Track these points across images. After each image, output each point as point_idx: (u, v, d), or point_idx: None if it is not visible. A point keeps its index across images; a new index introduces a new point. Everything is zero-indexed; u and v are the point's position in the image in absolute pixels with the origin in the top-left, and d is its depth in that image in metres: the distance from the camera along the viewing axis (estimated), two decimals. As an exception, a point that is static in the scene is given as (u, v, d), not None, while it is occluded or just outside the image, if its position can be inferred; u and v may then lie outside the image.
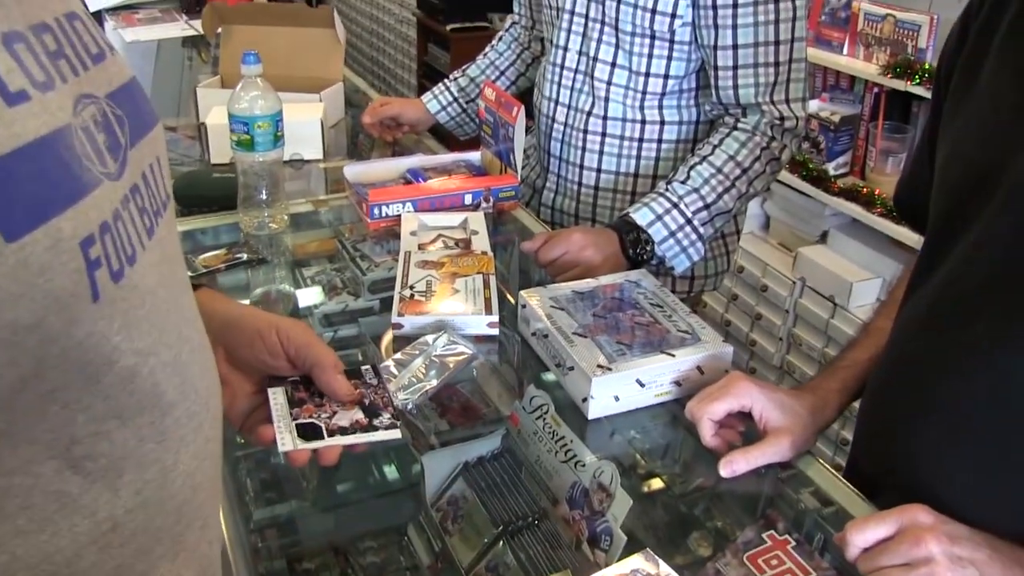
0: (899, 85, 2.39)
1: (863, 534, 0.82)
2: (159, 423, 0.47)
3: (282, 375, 0.85)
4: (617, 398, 1.07)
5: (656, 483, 1.06)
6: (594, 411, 1.06)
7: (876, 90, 2.55)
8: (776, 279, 2.73)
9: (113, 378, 0.43)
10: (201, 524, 0.54)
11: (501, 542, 0.90)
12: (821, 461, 1.02)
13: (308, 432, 0.81)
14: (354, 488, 1.09)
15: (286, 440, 0.80)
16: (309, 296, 1.38)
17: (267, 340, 0.81)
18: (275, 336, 0.81)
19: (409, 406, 1.02)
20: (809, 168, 2.65)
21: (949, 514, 0.82)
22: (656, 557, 0.80)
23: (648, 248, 1.44)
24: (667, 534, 0.96)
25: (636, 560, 0.80)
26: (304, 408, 0.84)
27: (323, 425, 0.82)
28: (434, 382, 1.06)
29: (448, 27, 4.16)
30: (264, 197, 1.47)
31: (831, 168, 2.64)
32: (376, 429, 0.84)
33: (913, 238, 2.34)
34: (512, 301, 1.31)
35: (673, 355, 1.09)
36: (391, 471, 1.10)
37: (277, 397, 0.83)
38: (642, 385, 1.07)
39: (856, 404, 1.08)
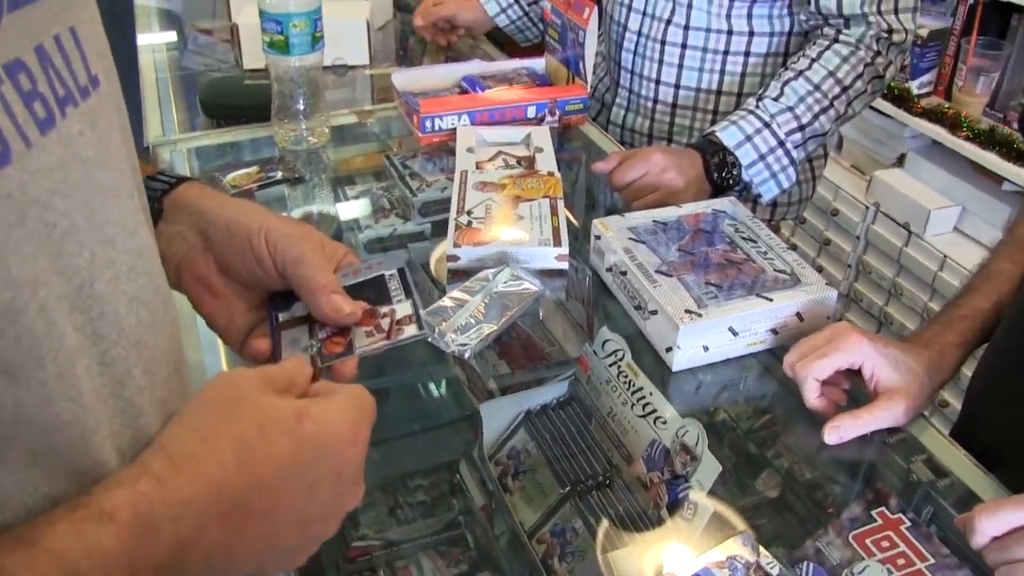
0: (1001, -7, 2.17)
1: (995, 520, 0.71)
2: (67, 375, 0.38)
3: (277, 289, 0.70)
4: (706, 348, 0.94)
5: (748, 446, 0.93)
6: (679, 362, 0.94)
7: (972, 0, 2.33)
8: (848, 203, 2.59)
9: None
10: None
11: (568, 504, 0.81)
12: (935, 425, 0.91)
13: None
14: (403, 420, 0.98)
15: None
16: (352, 216, 1.27)
17: (255, 248, 0.66)
18: (263, 241, 0.66)
19: (467, 354, 0.91)
20: (890, 86, 2.43)
21: None
22: (755, 542, 0.70)
23: (735, 172, 1.29)
24: (759, 505, 0.85)
25: (732, 545, 0.71)
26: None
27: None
28: (495, 324, 0.95)
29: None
30: (301, 107, 1.33)
31: (914, 87, 2.44)
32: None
33: (1000, 165, 2.20)
34: (577, 225, 1.20)
35: (770, 299, 0.95)
36: (443, 402, 1.01)
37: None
38: (735, 334, 0.94)
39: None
